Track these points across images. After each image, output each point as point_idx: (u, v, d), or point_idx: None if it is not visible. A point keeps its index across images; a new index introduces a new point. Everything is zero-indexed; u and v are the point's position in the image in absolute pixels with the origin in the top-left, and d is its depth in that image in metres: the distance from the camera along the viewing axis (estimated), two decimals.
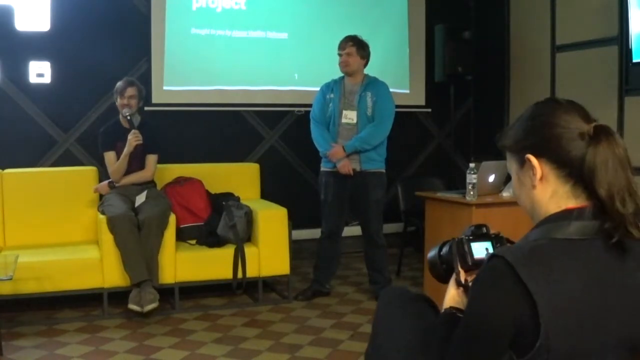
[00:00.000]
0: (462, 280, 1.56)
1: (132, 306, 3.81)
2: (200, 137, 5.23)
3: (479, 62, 5.73)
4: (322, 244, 4.46)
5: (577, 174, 1.30)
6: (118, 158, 4.26)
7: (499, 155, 1.54)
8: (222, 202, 4.47)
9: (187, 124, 5.20)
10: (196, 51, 5.17)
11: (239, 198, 4.61)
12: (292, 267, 4.44)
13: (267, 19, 5.36)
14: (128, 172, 4.29)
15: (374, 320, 1.83)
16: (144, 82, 4.65)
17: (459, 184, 4.64)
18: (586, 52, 4.96)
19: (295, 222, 4.52)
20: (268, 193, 4.95)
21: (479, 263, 1.51)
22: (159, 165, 4.45)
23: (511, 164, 1.43)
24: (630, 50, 4.44)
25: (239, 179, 4.91)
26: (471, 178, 3.85)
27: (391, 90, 4.44)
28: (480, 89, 6.09)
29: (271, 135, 5.52)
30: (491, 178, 4.03)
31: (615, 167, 1.27)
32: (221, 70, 5.27)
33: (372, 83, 4.33)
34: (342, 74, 4.38)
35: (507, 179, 4.07)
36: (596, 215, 1.28)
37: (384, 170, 4.37)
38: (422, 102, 5.95)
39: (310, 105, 4.53)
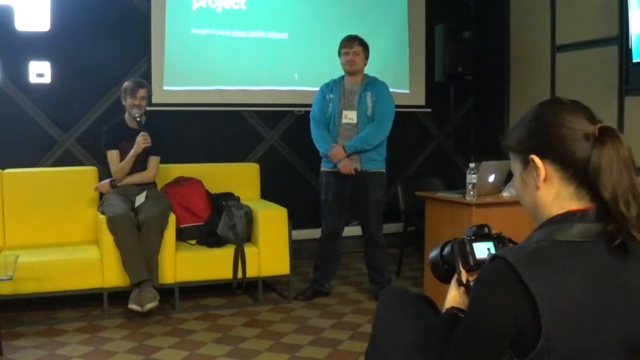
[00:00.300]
0: (464, 280, 1.56)
1: (132, 306, 3.81)
2: (200, 137, 5.23)
3: (479, 62, 5.73)
4: (322, 244, 4.46)
5: (582, 175, 1.30)
6: (121, 157, 4.25)
7: (499, 155, 1.54)
8: (222, 202, 4.47)
9: (187, 124, 5.20)
10: (196, 51, 5.17)
11: (239, 198, 4.61)
12: (292, 267, 4.44)
13: (267, 19, 5.36)
14: (130, 172, 4.28)
15: (374, 320, 1.83)
16: None
17: (459, 184, 4.64)
18: (586, 52, 4.96)
19: (295, 222, 4.52)
20: (268, 193, 4.95)
21: (480, 263, 1.51)
22: (159, 165, 4.44)
23: (515, 165, 1.42)
24: (630, 50, 4.44)
25: (239, 179, 4.91)
26: (471, 178, 3.85)
27: (391, 90, 4.44)
28: (480, 89, 6.09)
29: (271, 135, 5.52)
30: (491, 178, 4.03)
31: (619, 169, 1.27)
32: (221, 70, 5.27)
33: (372, 83, 4.33)
34: (341, 74, 4.38)
35: (507, 179, 4.07)
36: (599, 217, 1.27)
37: (384, 170, 4.37)
38: (422, 102, 5.95)
39: (310, 105, 4.53)
